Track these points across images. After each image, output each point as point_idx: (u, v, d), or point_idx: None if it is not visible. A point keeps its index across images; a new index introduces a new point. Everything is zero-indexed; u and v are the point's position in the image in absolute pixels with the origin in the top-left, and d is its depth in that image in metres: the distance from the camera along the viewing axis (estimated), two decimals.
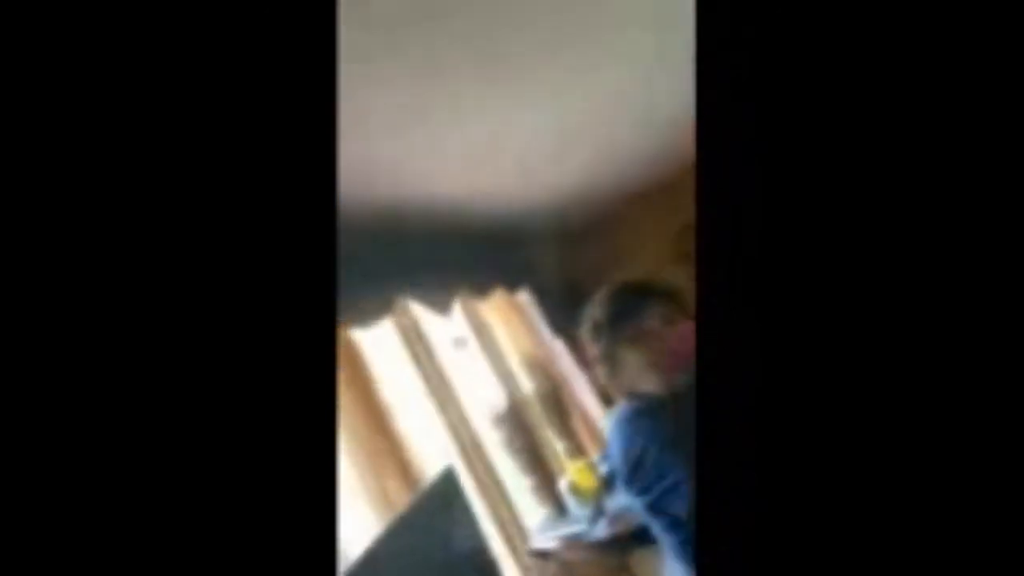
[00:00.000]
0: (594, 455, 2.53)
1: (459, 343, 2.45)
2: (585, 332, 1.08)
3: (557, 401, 2.53)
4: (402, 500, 1.70)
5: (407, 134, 1.67)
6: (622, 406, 1.02)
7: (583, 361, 2.85)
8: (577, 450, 2.46)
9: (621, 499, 2.05)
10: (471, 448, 2.21)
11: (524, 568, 2.11)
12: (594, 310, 1.08)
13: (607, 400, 2.71)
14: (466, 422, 2.25)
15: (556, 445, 2.46)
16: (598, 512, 2.01)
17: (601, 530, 1.95)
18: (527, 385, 2.62)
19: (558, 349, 2.91)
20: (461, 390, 2.32)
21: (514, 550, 2.11)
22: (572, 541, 1.99)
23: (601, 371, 1.05)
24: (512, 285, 2.89)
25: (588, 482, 2.07)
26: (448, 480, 1.71)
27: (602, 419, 2.66)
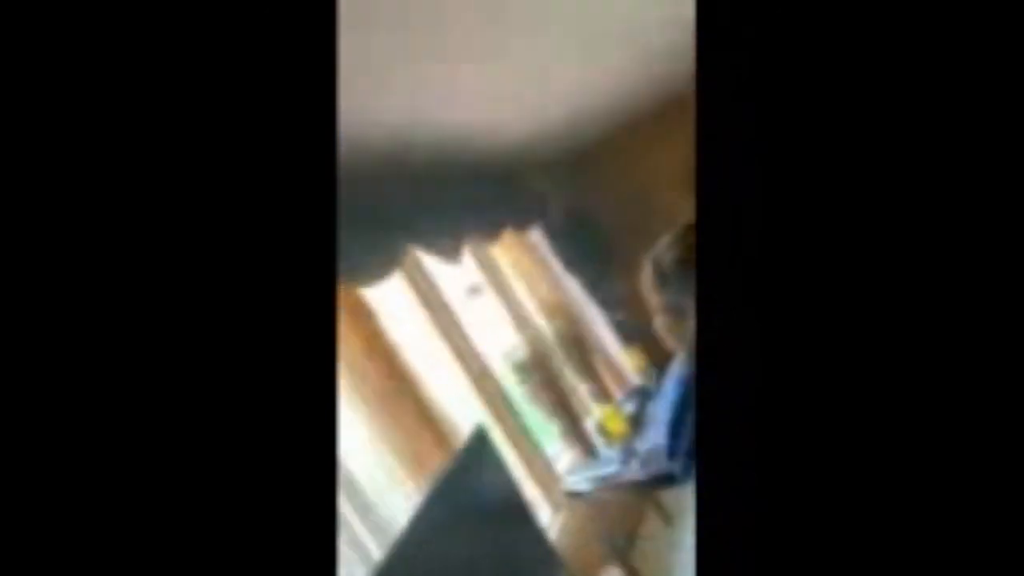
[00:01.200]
0: (617, 394, 2.50)
1: (473, 291, 2.33)
2: (649, 279, 0.94)
3: (578, 343, 2.46)
4: (435, 460, 1.66)
5: (402, 76, 1.46)
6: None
7: (601, 299, 2.75)
8: (601, 391, 2.43)
9: (651, 440, 2.03)
10: (496, 398, 2.17)
11: (557, 508, 2.13)
12: (661, 255, 0.93)
13: (627, 338, 2.64)
14: (489, 372, 2.19)
15: (580, 387, 2.42)
16: (629, 453, 2.00)
17: (634, 470, 1.94)
18: (546, 328, 2.54)
19: (573, 288, 2.80)
20: (480, 340, 2.24)
21: (547, 493, 2.12)
22: (606, 482, 1.99)
23: (666, 321, 0.92)
24: (521, 224, 2.73)
25: (618, 426, 2.04)
26: (479, 438, 1.67)
27: (622, 357, 2.60)
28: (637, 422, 2.19)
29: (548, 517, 2.05)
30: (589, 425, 2.24)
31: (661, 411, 2.14)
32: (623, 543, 2.23)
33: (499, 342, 2.37)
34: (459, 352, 2.12)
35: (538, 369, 2.28)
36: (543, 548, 1.70)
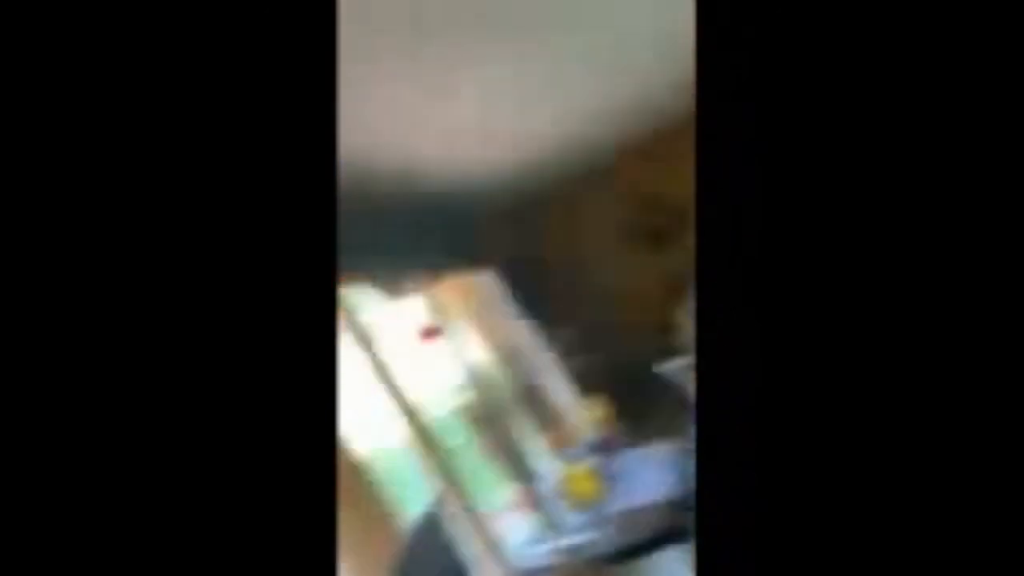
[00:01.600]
0: (576, 449, 2.29)
1: (427, 335, 2.07)
2: None
3: (532, 393, 2.24)
4: (387, 550, 1.34)
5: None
6: None
7: (555, 347, 2.58)
8: (559, 446, 2.20)
9: (626, 498, 1.82)
10: (443, 460, 1.88)
11: None
12: None
13: (585, 390, 2.47)
14: (434, 429, 1.90)
15: (535, 442, 2.18)
16: (601, 518, 1.77)
17: (609, 539, 1.71)
18: (498, 378, 2.31)
19: (525, 334, 2.62)
20: (426, 390, 1.96)
21: (502, 572, 1.82)
22: (574, 554, 1.74)
23: None
24: (471, 266, 2.54)
25: (589, 489, 1.81)
26: (430, 524, 1.39)
27: (579, 408, 2.41)
28: (603, 480, 1.97)
29: None
30: (548, 487, 1.99)
31: (639, 464, 1.96)
32: None
33: (446, 392, 2.11)
34: (403, 404, 1.83)
35: (489, 423, 2.03)
36: None
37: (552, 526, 1.89)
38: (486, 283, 2.64)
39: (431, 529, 1.37)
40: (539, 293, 2.70)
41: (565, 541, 1.78)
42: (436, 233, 2.38)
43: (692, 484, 1.88)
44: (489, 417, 2.05)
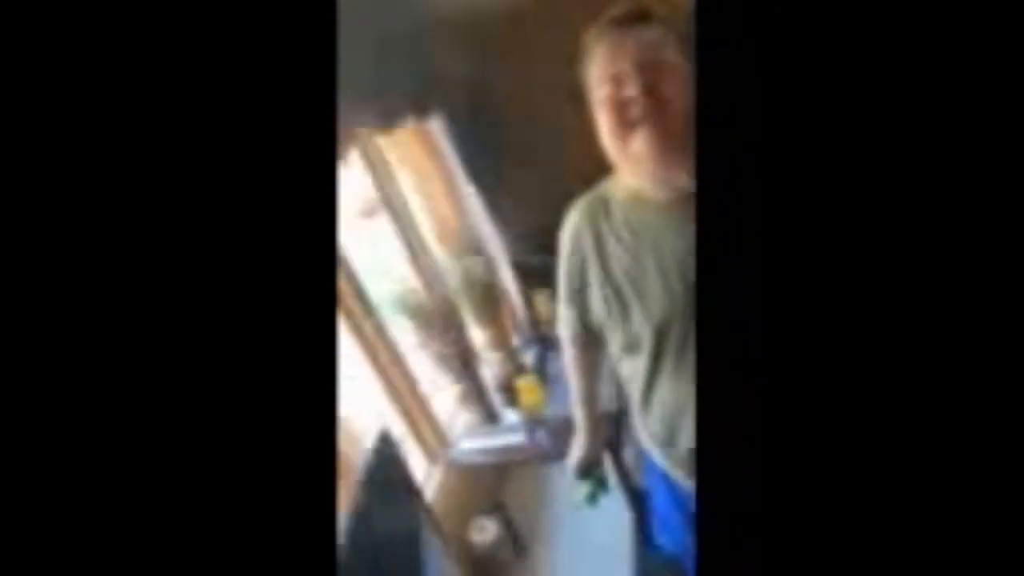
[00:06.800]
0: (514, 341, 2.28)
1: (367, 213, 1.75)
2: None
3: (482, 282, 2.10)
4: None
5: None
6: None
7: (508, 231, 2.37)
8: (500, 339, 2.17)
9: (559, 408, 1.90)
10: (383, 350, 1.76)
11: (446, 480, 1.93)
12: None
13: (531, 285, 2.35)
14: (376, 317, 1.73)
15: (479, 334, 2.12)
16: (535, 421, 1.85)
17: (541, 441, 1.81)
18: (442, 258, 2.11)
19: (474, 203, 2.35)
20: (368, 274, 1.73)
21: (434, 461, 1.89)
22: (506, 454, 1.84)
23: None
24: (420, 110, 2.09)
25: (535, 398, 1.85)
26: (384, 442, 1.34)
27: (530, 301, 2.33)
28: (540, 377, 2.02)
29: (434, 483, 1.85)
30: (490, 381, 2.00)
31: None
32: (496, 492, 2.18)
33: (386, 276, 1.89)
34: (344, 294, 1.60)
35: (434, 315, 1.90)
36: (425, 516, 1.52)
37: (489, 423, 1.95)
38: (435, 132, 2.23)
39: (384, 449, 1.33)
40: (487, 146, 2.33)
41: (499, 441, 1.86)
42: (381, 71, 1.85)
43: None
44: (435, 307, 1.90)
